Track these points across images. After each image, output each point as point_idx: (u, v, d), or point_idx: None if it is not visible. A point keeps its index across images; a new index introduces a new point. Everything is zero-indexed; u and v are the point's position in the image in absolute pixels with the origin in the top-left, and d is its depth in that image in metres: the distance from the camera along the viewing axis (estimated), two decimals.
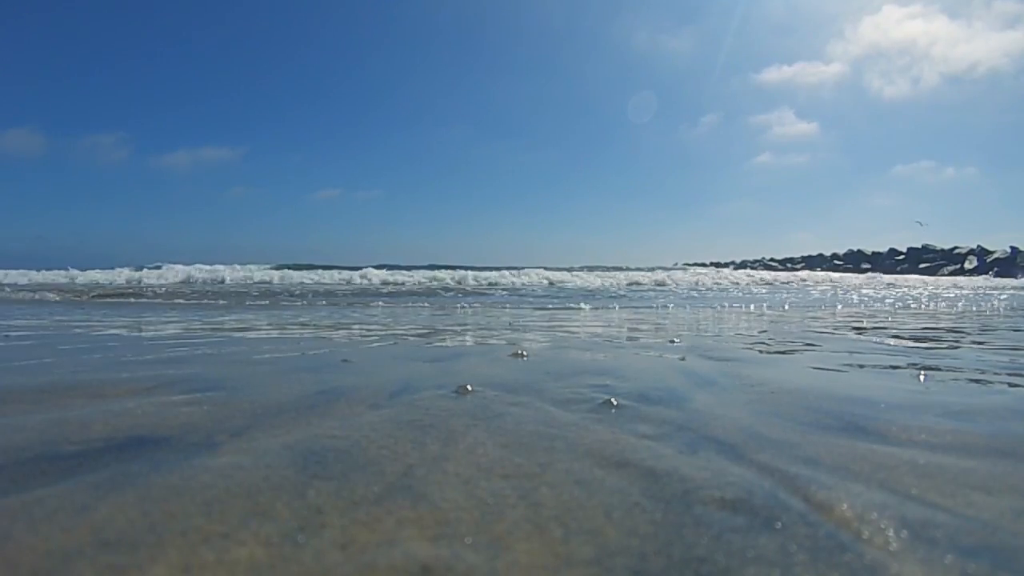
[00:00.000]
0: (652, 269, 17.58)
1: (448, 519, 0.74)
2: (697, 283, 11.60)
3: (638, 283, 11.93)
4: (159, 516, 0.74)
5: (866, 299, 7.78)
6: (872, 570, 0.62)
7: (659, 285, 11.48)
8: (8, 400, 1.44)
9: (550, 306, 6.13)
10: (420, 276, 12.55)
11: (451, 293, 9.24)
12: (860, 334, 3.30)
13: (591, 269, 17.02)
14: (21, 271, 12.55)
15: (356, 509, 0.77)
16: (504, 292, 9.83)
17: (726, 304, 6.66)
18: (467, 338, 3.01)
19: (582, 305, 6.19)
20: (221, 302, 6.65)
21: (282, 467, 0.94)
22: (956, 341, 2.95)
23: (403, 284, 11.40)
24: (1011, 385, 1.74)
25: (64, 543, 0.67)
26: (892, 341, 2.92)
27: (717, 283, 11.77)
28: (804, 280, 12.19)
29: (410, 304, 6.42)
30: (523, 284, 11.85)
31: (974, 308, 5.88)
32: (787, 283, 11.57)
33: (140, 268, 13.38)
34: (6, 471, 0.92)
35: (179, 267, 12.83)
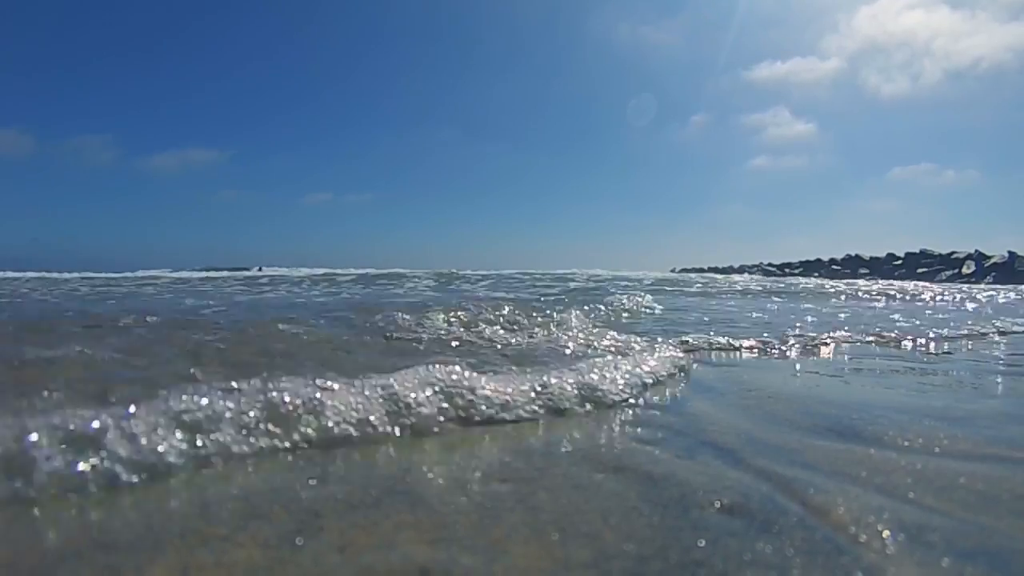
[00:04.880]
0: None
1: (446, 523, 0.74)
2: None
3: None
4: (158, 518, 0.74)
5: None
6: (869, 573, 0.62)
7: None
8: None
9: None
10: None
11: None
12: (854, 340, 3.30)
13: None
14: None
15: (354, 513, 0.77)
16: None
17: None
18: None
19: None
20: None
21: (280, 470, 0.93)
22: (951, 348, 2.95)
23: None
24: (1007, 390, 1.74)
25: (63, 544, 0.67)
26: (888, 347, 2.93)
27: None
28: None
29: None
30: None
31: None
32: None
33: None
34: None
35: None
